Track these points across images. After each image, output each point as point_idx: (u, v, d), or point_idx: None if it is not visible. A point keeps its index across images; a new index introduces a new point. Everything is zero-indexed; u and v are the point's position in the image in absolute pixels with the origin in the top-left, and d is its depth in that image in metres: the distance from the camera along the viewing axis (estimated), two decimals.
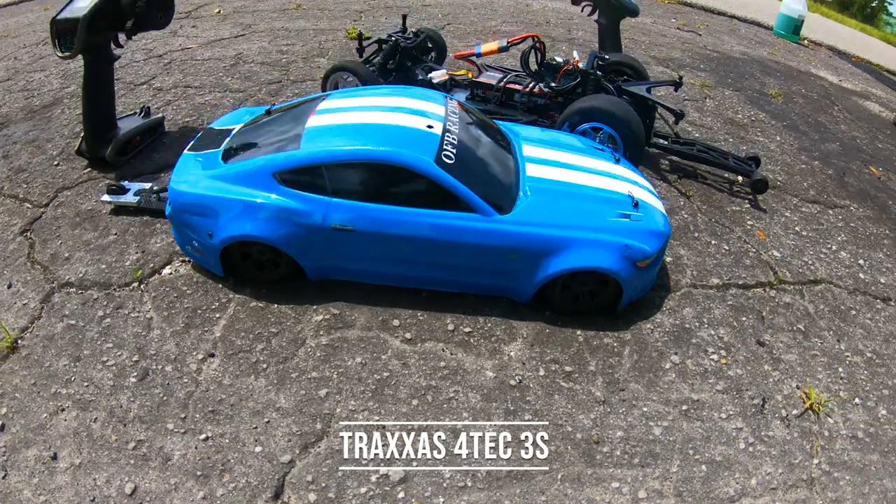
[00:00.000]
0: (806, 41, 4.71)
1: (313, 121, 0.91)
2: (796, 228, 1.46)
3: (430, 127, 0.92)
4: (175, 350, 0.97)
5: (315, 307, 0.98)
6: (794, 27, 4.39)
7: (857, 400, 1.05)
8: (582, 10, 1.88)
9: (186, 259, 1.09)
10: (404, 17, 1.73)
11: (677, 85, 1.57)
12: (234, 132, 1.01)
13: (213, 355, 0.97)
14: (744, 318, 1.12)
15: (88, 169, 1.34)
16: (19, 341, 1.01)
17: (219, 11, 2.74)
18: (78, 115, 1.64)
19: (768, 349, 1.08)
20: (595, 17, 1.86)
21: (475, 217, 0.88)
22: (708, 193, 1.49)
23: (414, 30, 1.73)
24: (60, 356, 0.99)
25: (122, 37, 1.34)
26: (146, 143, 1.40)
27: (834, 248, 1.45)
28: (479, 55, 1.45)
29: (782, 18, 4.44)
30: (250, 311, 0.99)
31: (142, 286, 1.04)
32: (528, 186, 0.95)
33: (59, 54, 1.22)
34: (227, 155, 0.95)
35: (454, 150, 0.90)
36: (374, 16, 2.66)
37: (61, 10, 1.21)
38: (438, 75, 1.55)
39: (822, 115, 2.52)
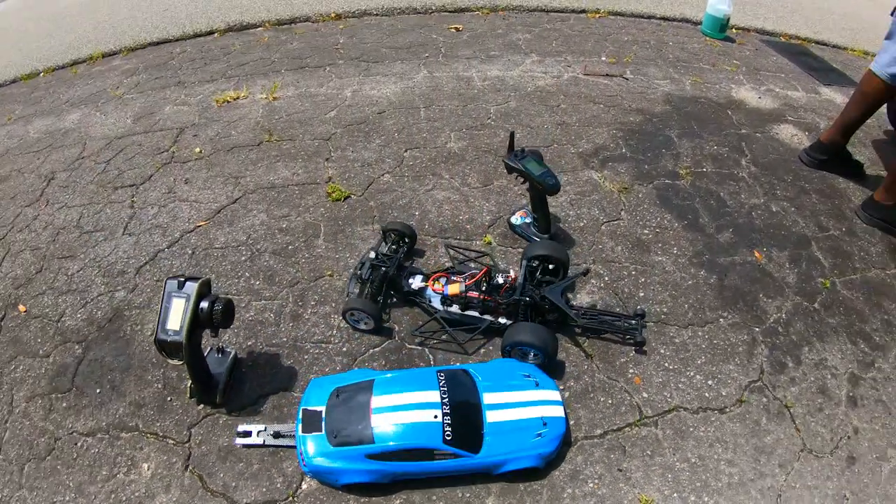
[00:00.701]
0: (734, 29, 5.61)
1: (374, 420, 1.79)
2: (665, 364, 2.28)
3: (435, 417, 1.81)
4: None
5: (389, 496, 1.90)
6: (720, 26, 5.35)
7: (675, 495, 1.98)
8: (515, 178, 2.88)
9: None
10: (384, 232, 2.57)
11: (586, 272, 2.69)
12: (324, 416, 1.86)
13: None
14: (611, 456, 2.01)
15: (201, 406, 2.12)
16: None
17: (200, 151, 3.40)
18: (149, 335, 2.42)
19: (624, 473, 1.99)
20: (526, 186, 2.91)
21: (462, 460, 1.85)
22: (605, 349, 2.33)
23: (393, 243, 2.52)
24: None
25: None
26: (234, 378, 2.28)
27: (692, 373, 2.27)
28: (446, 294, 2.37)
29: (708, 18, 5.38)
30: None
31: (295, 499, 1.89)
32: (487, 431, 1.87)
33: (171, 362, 1.95)
34: (331, 439, 1.82)
35: (451, 429, 1.81)
36: (342, 148, 3.31)
37: (157, 331, 1.89)
38: (417, 282, 2.60)
39: (727, 184, 3.38)
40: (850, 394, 2.32)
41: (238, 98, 4.04)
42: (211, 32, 5.15)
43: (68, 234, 3.08)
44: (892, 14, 3.14)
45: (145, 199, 3.27)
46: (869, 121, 3.71)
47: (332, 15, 5.27)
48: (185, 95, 4.18)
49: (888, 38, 3.18)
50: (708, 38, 5.49)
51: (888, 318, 2.65)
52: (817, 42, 6.04)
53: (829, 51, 5.93)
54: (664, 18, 5.69)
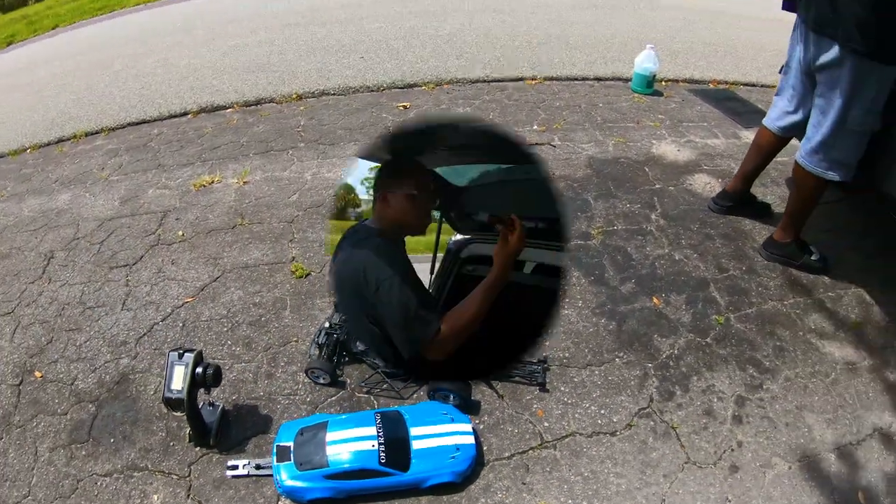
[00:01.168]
0: (663, 82, 6.42)
1: (328, 450, 2.41)
2: (565, 399, 2.73)
3: (373, 446, 2.51)
4: None
5: None
6: (647, 82, 6.23)
7: (570, 502, 2.30)
8: None
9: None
10: (336, 305, 3.64)
11: None
12: (292, 449, 2.56)
13: None
14: (517, 473, 2.47)
15: (198, 448, 2.67)
16: None
17: (183, 234, 4.25)
18: (152, 394, 3.05)
19: (527, 486, 2.47)
20: None
21: (395, 477, 2.52)
22: (514, 390, 2.85)
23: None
24: None
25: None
26: (223, 425, 3.09)
27: (587, 405, 2.72)
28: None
29: (637, 77, 6.24)
30: None
31: None
32: (413, 455, 2.53)
33: (175, 414, 2.69)
34: (298, 466, 2.49)
35: (384, 454, 2.47)
36: (304, 230, 4.07)
37: (164, 391, 2.54)
38: (361, 345, 3.59)
39: (635, 239, 3.97)
40: (736, 413, 2.68)
41: (213, 182, 4.93)
42: (185, 113, 6.11)
43: (73, 309, 3.77)
44: (779, 72, 3.41)
45: (139, 279, 4.06)
46: (784, 159, 4.23)
47: (294, 96, 6.29)
48: (165, 179, 5.06)
49: (777, 94, 3.45)
50: (636, 95, 6.31)
51: (780, 344, 3.03)
52: (745, 84, 6.75)
53: (757, 91, 6.62)
54: (597, 79, 6.52)
